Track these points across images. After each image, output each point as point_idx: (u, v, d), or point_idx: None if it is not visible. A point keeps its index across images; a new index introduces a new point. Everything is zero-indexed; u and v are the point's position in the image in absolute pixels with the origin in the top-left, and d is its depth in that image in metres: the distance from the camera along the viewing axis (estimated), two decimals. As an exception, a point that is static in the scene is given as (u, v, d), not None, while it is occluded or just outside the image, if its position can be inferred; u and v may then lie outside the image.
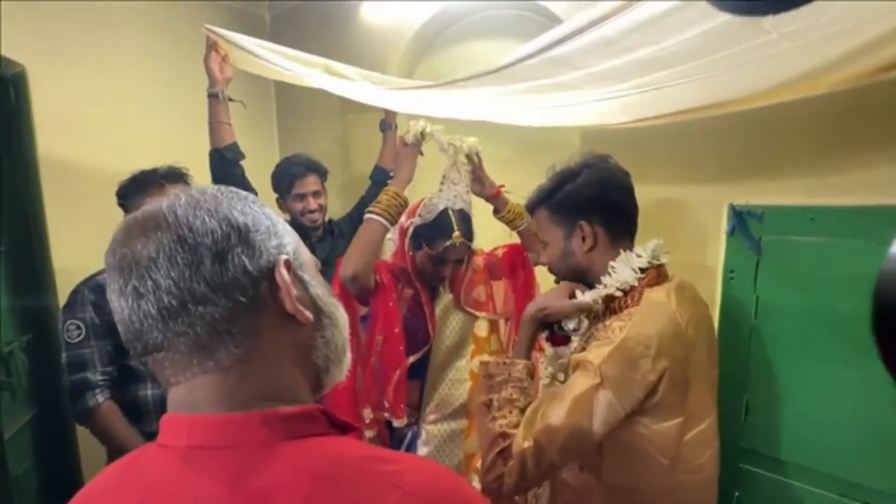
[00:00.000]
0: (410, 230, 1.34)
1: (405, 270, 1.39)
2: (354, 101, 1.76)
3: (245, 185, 1.64)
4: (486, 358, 1.36)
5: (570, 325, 1.00)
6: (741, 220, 1.29)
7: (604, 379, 0.86)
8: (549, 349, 1.11)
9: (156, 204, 0.48)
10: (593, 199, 0.98)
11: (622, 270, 0.98)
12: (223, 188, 0.52)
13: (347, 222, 1.91)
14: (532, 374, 1.00)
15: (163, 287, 0.45)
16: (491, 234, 1.63)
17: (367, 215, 1.25)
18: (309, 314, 0.52)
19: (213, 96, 1.58)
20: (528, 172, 1.93)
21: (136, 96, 2.16)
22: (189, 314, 0.45)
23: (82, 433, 2.13)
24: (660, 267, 1.01)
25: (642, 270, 0.98)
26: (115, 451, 1.35)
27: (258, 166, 1.85)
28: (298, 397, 0.51)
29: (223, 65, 1.57)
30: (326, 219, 1.87)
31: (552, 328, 1.04)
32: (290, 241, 0.53)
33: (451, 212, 1.30)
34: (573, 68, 1.16)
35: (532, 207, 1.07)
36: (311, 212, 1.77)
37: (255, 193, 1.67)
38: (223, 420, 0.46)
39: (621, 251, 1.00)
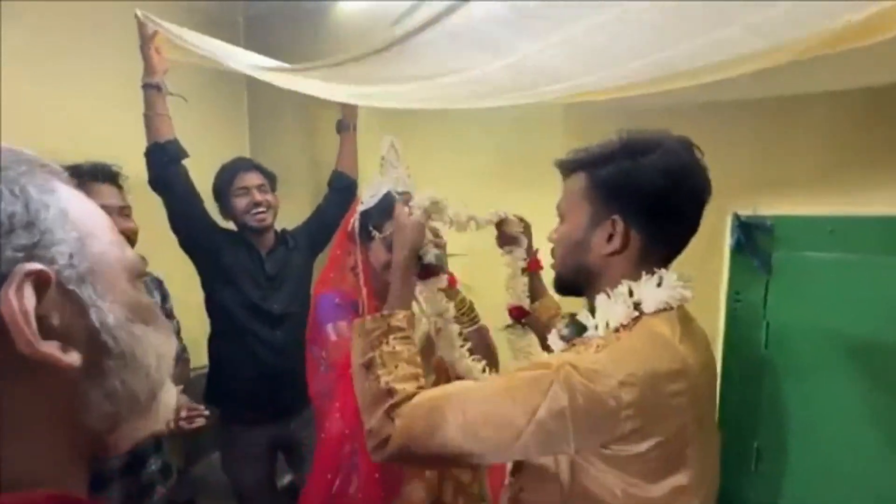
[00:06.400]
0: (357, 224, 1.13)
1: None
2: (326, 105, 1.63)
3: (188, 184, 1.47)
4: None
5: (431, 254, 0.92)
6: (748, 232, 1.12)
7: (564, 381, 0.66)
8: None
9: None
10: (649, 193, 0.73)
11: (618, 307, 0.75)
12: None
13: (304, 233, 1.70)
14: (413, 324, 0.86)
15: None
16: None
17: None
18: (71, 358, 0.35)
19: (152, 87, 1.41)
20: (507, 158, 1.79)
21: (84, 87, 1.97)
22: None
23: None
24: None
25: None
26: None
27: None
28: (50, 477, 0.36)
29: (161, 54, 1.41)
30: (279, 228, 1.68)
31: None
32: (67, 238, 0.36)
33: (395, 193, 1.13)
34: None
35: (569, 166, 0.82)
36: (258, 206, 1.50)
37: (200, 199, 1.51)
38: None
39: (651, 272, 0.76)
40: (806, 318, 1.08)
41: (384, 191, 1.14)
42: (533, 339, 1.14)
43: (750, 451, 1.15)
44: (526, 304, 1.14)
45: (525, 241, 1.14)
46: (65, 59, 1.77)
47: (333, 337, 1.10)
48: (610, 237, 0.76)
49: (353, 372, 0.84)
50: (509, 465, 0.89)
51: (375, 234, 1.13)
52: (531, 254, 1.17)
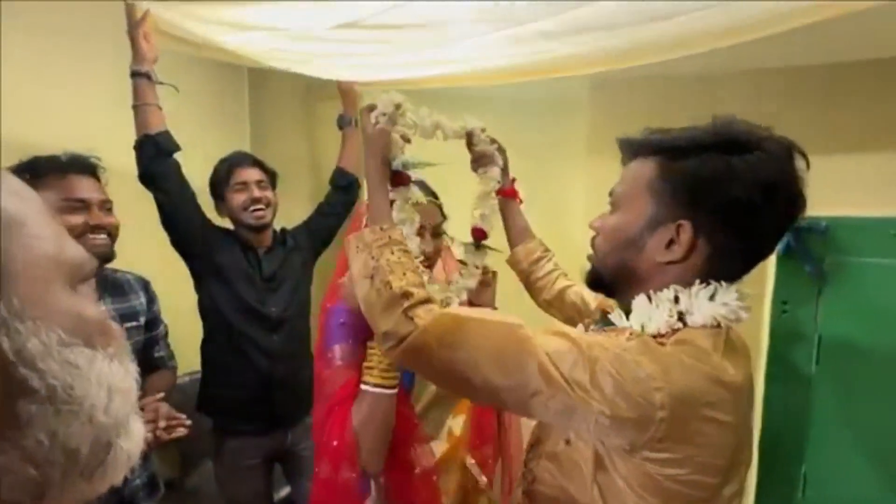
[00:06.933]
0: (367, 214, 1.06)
1: None
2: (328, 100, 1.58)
3: (180, 178, 1.37)
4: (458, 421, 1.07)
5: (399, 161, 0.91)
6: (798, 235, 1.02)
7: (588, 362, 0.61)
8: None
9: None
10: (734, 202, 0.61)
11: (659, 313, 0.66)
12: None
13: (304, 233, 1.61)
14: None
15: None
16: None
17: (364, 387, 0.94)
18: None
19: (142, 75, 1.31)
20: (529, 144, 1.55)
21: (73, 78, 1.87)
22: None
23: None
24: None
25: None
26: None
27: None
28: None
29: (150, 41, 1.31)
30: (279, 227, 1.58)
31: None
32: None
33: (414, 177, 1.03)
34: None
35: (637, 148, 0.70)
36: (257, 202, 1.41)
37: (193, 194, 1.41)
38: None
39: (707, 283, 0.66)
40: (864, 331, 0.98)
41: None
42: (488, 261, 1.11)
43: (797, 477, 1.05)
44: (487, 227, 1.10)
45: (499, 161, 1.10)
46: (56, 51, 1.68)
47: (338, 361, 1.00)
48: (670, 243, 0.64)
49: (355, 286, 0.82)
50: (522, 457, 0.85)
51: None
52: (507, 179, 1.13)
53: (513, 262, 1.13)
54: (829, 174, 1.01)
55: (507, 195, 1.14)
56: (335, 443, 0.92)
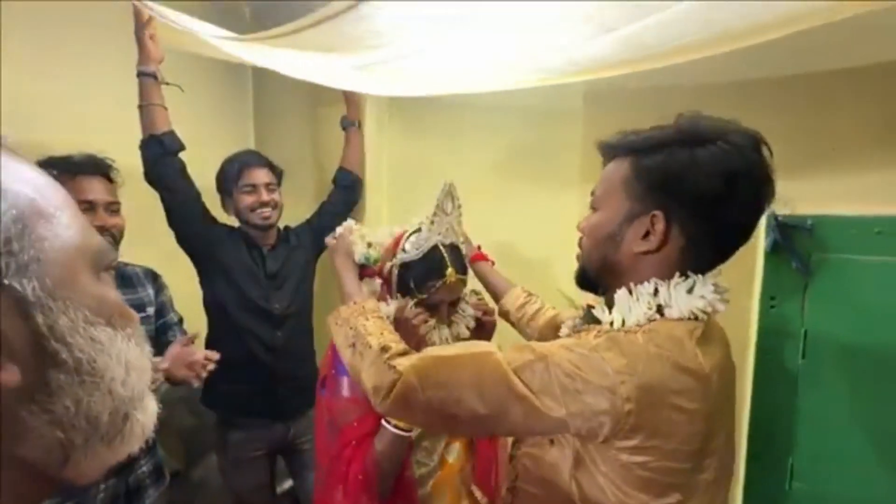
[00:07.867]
0: (395, 272, 1.06)
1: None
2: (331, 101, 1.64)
3: (185, 177, 1.41)
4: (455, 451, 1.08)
5: (362, 256, 1.04)
6: (785, 232, 1.03)
7: (552, 368, 0.64)
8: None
9: None
10: (700, 191, 0.64)
11: (639, 306, 0.68)
12: None
13: (307, 231, 1.64)
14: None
15: None
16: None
17: (386, 425, 0.97)
18: (8, 374, 0.29)
19: (147, 75, 1.35)
20: (524, 150, 1.58)
21: (81, 78, 1.90)
22: None
23: None
24: None
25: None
26: None
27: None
28: None
29: (156, 41, 1.35)
30: (282, 225, 1.62)
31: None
32: (1, 217, 0.30)
33: (441, 247, 1.05)
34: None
35: (612, 149, 0.74)
36: (264, 205, 1.45)
37: (198, 193, 1.44)
38: None
39: (685, 275, 0.68)
40: (848, 326, 0.99)
41: (431, 243, 1.04)
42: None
43: (784, 468, 1.06)
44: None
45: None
46: (62, 49, 1.71)
47: (345, 393, 1.01)
48: (646, 234, 0.68)
49: (342, 357, 0.86)
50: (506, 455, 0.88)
51: (414, 291, 1.03)
52: (471, 248, 1.20)
53: (503, 314, 1.17)
54: (814, 174, 1.04)
55: (476, 259, 1.21)
56: (360, 476, 0.95)
